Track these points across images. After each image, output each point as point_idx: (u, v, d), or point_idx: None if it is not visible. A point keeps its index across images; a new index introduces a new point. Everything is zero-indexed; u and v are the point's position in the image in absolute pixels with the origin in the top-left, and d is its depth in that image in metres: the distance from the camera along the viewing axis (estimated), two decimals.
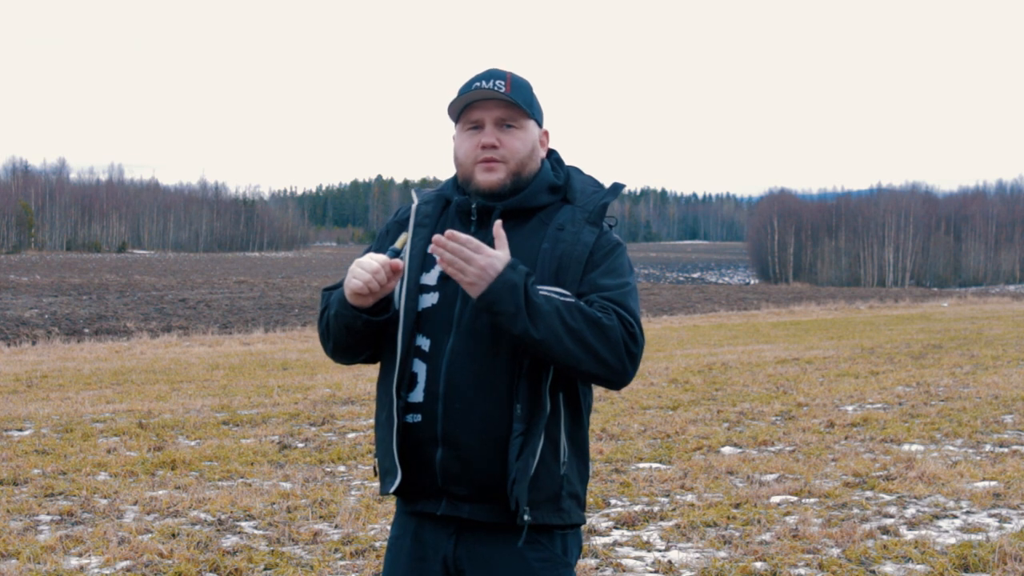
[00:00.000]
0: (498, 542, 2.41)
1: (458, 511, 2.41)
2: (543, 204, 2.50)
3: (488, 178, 2.46)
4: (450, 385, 2.38)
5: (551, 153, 2.62)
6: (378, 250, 2.52)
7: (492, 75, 2.46)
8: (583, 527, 2.64)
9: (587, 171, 2.62)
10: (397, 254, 2.46)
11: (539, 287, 2.34)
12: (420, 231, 2.52)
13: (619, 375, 2.37)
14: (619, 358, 2.34)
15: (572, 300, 2.34)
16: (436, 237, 2.30)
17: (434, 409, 2.39)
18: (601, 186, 2.56)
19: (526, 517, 2.35)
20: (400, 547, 2.51)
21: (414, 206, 2.57)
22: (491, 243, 2.39)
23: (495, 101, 2.45)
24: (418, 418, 2.41)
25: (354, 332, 2.46)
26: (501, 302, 2.28)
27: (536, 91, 2.55)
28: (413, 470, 2.44)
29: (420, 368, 2.43)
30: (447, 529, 2.44)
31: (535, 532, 2.41)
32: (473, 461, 2.37)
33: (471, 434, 2.36)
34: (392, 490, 2.43)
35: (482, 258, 2.29)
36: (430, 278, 2.47)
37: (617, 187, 2.54)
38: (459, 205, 2.51)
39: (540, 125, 2.54)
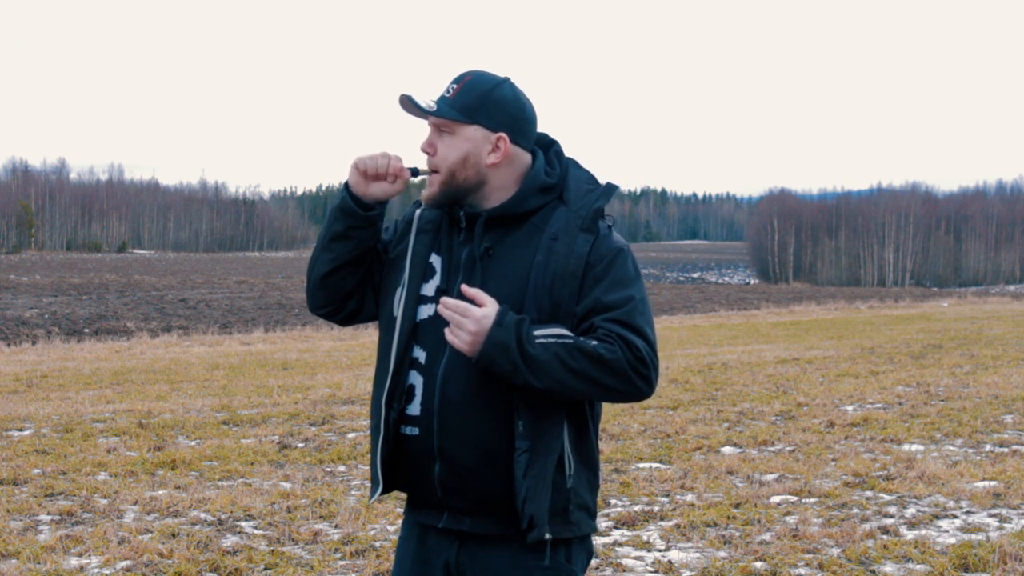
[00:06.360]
0: (500, 550, 2.40)
1: (459, 524, 2.40)
2: (533, 208, 2.40)
3: (424, 193, 2.44)
4: (445, 400, 2.35)
5: (552, 146, 2.49)
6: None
7: (455, 79, 2.41)
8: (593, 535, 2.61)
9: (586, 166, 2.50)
10: (416, 173, 2.45)
11: (535, 331, 2.27)
12: (422, 238, 2.46)
13: (633, 397, 2.34)
14: (628, 383, 2.30)
15: (571, 341, 2.27)
16: (439, 309, 2.32)
17: (430, 424, 2.37)
18: (596, 183, 2.44)
19: (547, 536, 2.34)
20: (405, 550, 2.52)
21: (417, 212, 2.51)
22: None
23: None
24: (415, 431, 2.40)
25: (339, 235, 2.44)
26: (496, 363, 2.26)
27: (526, 94, 2.43)
28: (414, 482, 2.44)
29: (417, 381, 2.41)
30: (450, 537, 2.44)
31: (540, 542, 2.38)
32: (471, 476, 2.35)
33: (467, 449, 2.34)
34: (373, 500, 2.46)
35: (470, 323, 2.25)
36: (429, 289, 2.43)
37: (610, 188, 2.43)
38: (450, 214, 2.45)
39: (494, 130, 2.38)
